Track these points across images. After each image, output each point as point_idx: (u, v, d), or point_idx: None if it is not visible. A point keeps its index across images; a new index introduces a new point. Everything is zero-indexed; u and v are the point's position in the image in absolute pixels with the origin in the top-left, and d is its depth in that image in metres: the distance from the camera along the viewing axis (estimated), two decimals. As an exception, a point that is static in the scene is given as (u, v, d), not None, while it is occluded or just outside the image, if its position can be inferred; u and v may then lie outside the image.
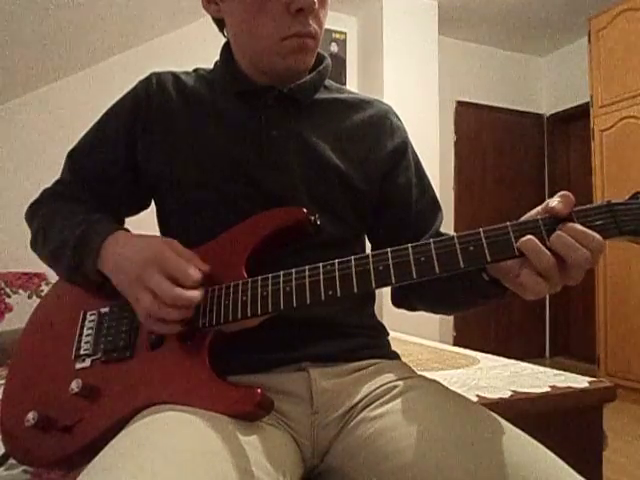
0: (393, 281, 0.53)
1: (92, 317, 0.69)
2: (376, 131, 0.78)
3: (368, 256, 0.55)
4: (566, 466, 0.51)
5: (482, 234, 0.51)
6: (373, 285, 0.54)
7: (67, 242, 0.67)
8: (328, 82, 0.81)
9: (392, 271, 0.53)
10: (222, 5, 0.71)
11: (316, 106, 0.76)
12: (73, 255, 0.67)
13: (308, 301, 0.56)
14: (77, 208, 0.74)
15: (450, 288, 0.66)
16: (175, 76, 0.77)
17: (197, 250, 0.68)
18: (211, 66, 0.82)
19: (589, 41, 3.27)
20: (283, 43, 0.67)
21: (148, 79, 0.77)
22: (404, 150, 0.80)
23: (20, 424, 0.63)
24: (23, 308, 2.22)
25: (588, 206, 0.49)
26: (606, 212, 0.48)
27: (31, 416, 0.62)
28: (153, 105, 0.74)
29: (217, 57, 0.80)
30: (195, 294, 0.57)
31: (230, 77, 0.75)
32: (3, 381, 0.73)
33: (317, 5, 0.66)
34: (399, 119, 0.83)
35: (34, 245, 0.76)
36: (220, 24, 0.77)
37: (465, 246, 0.51)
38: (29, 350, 0.74)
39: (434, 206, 0.81)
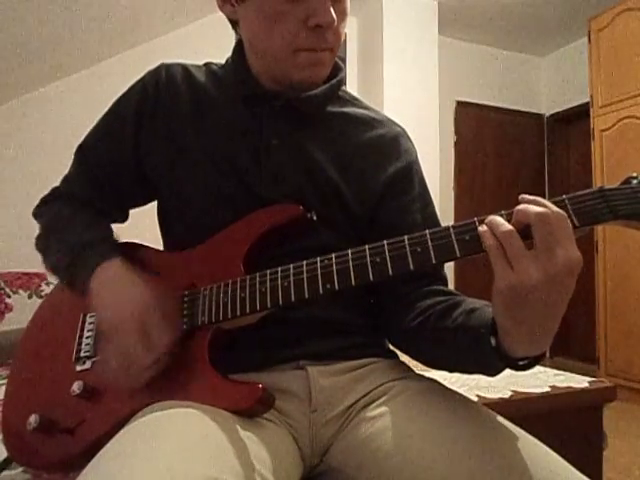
0: (390, 273, 0.53)
1: (92, 319, 0.69)
2: (381, 153, 0.75)
3: (365, 249, 0.55)
4: (569, 465, 0.51)
5: (477, 224, 0.51)
6: (371, 278, 0.54)
7: (59, 266, 0.69)
8: (342, 92, 0.78)
9: (389, 263, 0.53)
10: (238, 8, 0.68)
11: (323, 119, 0.74)
12: (65, 279, 0.70)
13: (306, 295, 0.56)
14: (77, 219, 0.73)
15: (458, 360, 0.63)
16: (185, 69, 0.76)
17: (195, 249, 0.68)
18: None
19: (589, 41, 3.27)
20: (298, 55, 0.65)
21: (157, 70, 0.75)
22: (407, 173, 0.76)
23: (22, 427, 0.64)
24: (23, 308, 2.22)
25: (581, 192, 0.50)
26: (599, 197, 0.48)
27: (33, 419, 0.62)
28: (160, 97, 0.73)
29: (218, 57, 0.79)
30: (134, 382, 0.59)
31: (240, 78, 0.73)
32: (3, 381, 0.73)
33: (336, 23, 0.64)
34: (410, 141, 0.80)
35: (37, 249, 0.76)
36: (234, 23, 0.74)
37: (462, 237, 0.51)
38: (30, 353, 0.74)
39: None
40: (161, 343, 0.58)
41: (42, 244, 0.74)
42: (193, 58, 0.87)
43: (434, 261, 0.51)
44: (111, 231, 0.76)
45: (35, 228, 0.78)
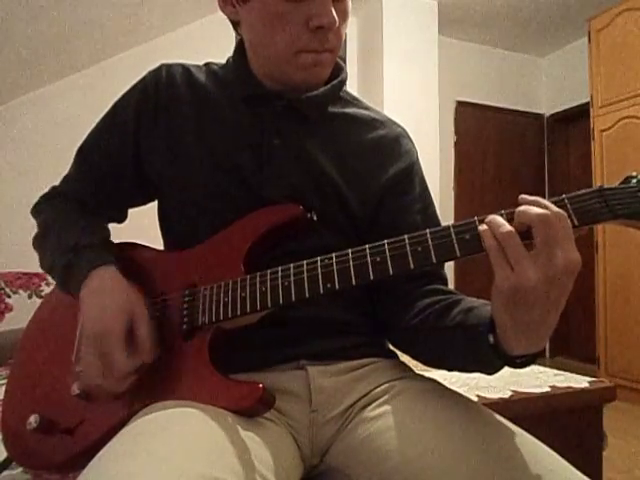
0: (391, 272, 0.53)
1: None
2: (382, 154, 0.75)
3: (365, 249, 0.55)
4: (569, 465, 0.51)
5: (477, 223, 0.51)
6: (371, 277, 0.54)
7: (55, 268, 0.70)
8: (344, 93, 0.78)
9: (389, 262, 0.53)
10: (239, 9, 0.68)
11: (324, 119, 0.74)
12: (60, 281, 0.70)
13: (307, 295, 0.56)
14: (74, 220, 0.73)
15: (457, 358, 0.62)
16: (185, 69, 0.76)
17: (195, 248, 0.68)
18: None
19: (589, 41, 3.27)
20: (300, 56, 0.65)
21: (158, 70, 0.75)
22: (408, 174, 0.76)
23: (22, 427, 0.64)
24: (23, 308, 2.22)
25: (580, 192, 0.50)
26: (598, 197, 0.49)
27: (33, 419, 0.62)
28: (161, 97, 0.73)
29: (218, 57, 0.79)
30: (115, 388, 0.59)
31: (241, 78, 0.73)
32: (4, 381, 0.73)
33: (338, 24, 0.64)
34: (411, 142, 0.80)
35: (34, 248, 0.76)
36: (235, 24, 0.74)
37: (462, 236, 0.51)
38: (30, 353, 0.74)
39: None
40: (143, 351, 0.60)
41: (39, 243, 0.75)
42: (193, 58, 0.88)
43: (434, 260, 0.51)
44: (108, 234, 0.75)
45: (35, 228, 0.78)
